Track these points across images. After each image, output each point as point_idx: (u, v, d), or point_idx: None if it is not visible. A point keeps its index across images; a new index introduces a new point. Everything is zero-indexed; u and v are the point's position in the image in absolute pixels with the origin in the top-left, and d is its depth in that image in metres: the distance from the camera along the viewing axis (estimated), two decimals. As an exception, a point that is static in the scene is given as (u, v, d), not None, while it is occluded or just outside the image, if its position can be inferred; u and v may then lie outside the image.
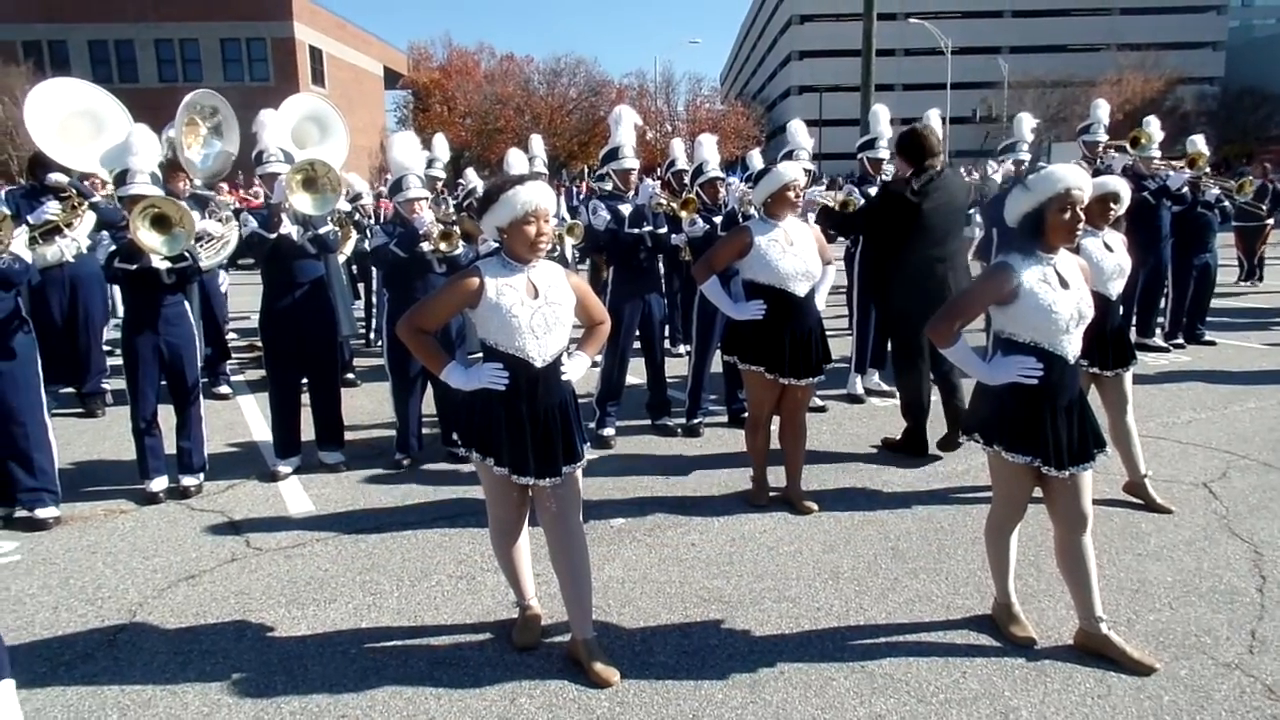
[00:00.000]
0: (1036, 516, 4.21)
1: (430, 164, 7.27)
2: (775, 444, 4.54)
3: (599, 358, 5.43)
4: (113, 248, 4.38)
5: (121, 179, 4.53)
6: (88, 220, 4.85)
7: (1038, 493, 3.07)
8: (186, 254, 4.49)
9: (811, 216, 5.95)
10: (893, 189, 4.97)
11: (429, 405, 5.36)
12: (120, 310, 7.05)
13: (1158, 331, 8.06)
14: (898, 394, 5.34)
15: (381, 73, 43.41)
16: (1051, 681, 2.86)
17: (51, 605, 3.53)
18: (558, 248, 5.47)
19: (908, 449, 5.21)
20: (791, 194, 4.17)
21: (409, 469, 5.14)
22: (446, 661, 3.06)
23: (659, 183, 6.40)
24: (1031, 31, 54.69)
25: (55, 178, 5.60)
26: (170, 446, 4.79)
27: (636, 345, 5.76)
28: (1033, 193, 2.84)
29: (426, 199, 5.10)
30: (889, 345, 5.81)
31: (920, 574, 3.67)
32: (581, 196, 11.06)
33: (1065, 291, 2.86)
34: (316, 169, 4.82)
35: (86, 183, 6.23)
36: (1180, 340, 8.13)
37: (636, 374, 5.95)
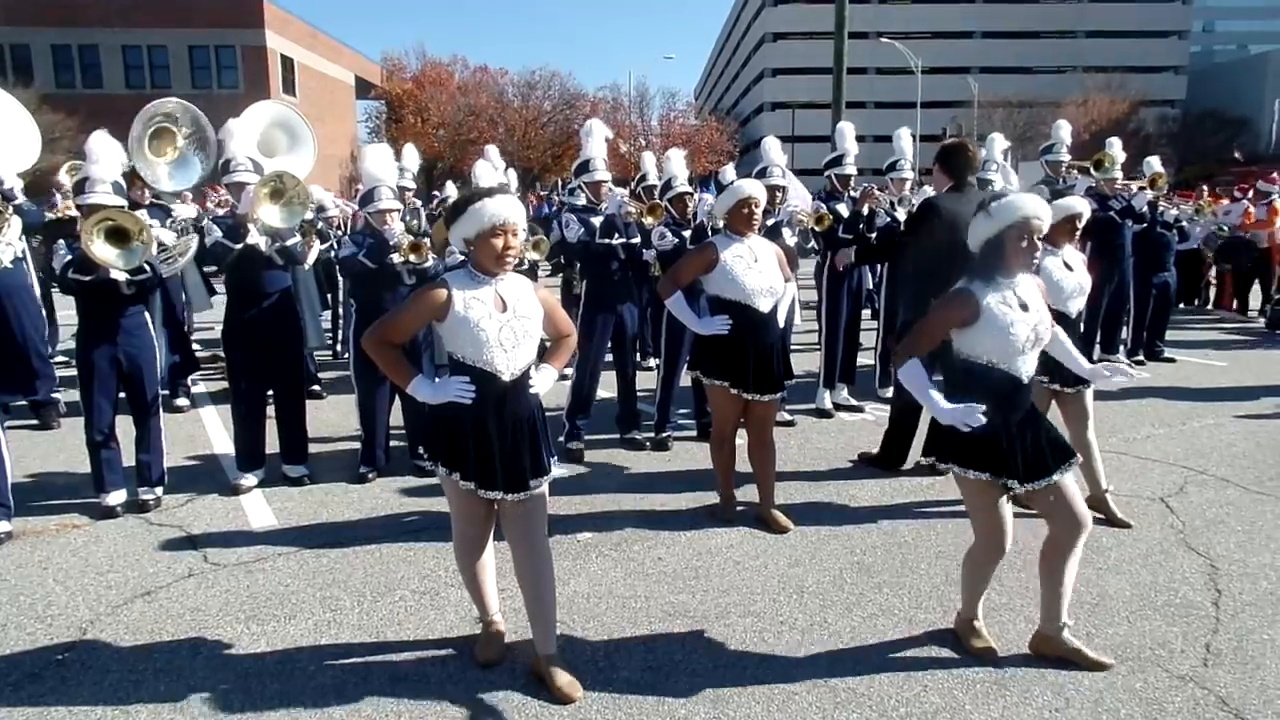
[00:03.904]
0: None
1: (400, 174, 7.23)
2: (743, 458, 4.55)
3: (569, 370, 5.43)
4: (69, 257, 4.29)
5: (80, 187, 4.45)
6: (15, 225, 4.71)
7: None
8: (146, 265, 4.41)
9: (788, 232, 5.99)
10: (940, 204, 4.82)
11: (396, 417, 5.31)
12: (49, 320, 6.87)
13: (1120, 348, 8.21)
14: (891, 406, 5.23)
15: (353, 82, 43.18)
16: (1010, 695, 2.89)
17: (-1, 623, 3.44)
18: (525, 261, 5.46)
19: (885, 461, 5.20)
20: (747, 210, 4.20)
21: (373, 482, 5.08)
22: (408, 678, 3.02)
23: (625, 192, 6.41)
24: (1000, 53, 55.82)
25: None
26: (129, 459, 4.70)
27: (608, 358, 5.76)
28: (994, 219, 2.91)
29: (398, 210, 5.07)
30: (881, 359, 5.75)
31: (884, 588, 3.69)
32: (553, 209, 11.06)
33: (1024, 314, 2.93)
34: (285, 181, 4.77)
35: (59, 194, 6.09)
36: (1141, 357, 8.29)
37: (606, 387, 5.94)
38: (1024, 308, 2.93)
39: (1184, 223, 8.99)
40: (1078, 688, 2.92)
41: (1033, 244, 2.90)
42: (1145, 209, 7.67)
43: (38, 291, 6.41)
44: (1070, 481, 3.02)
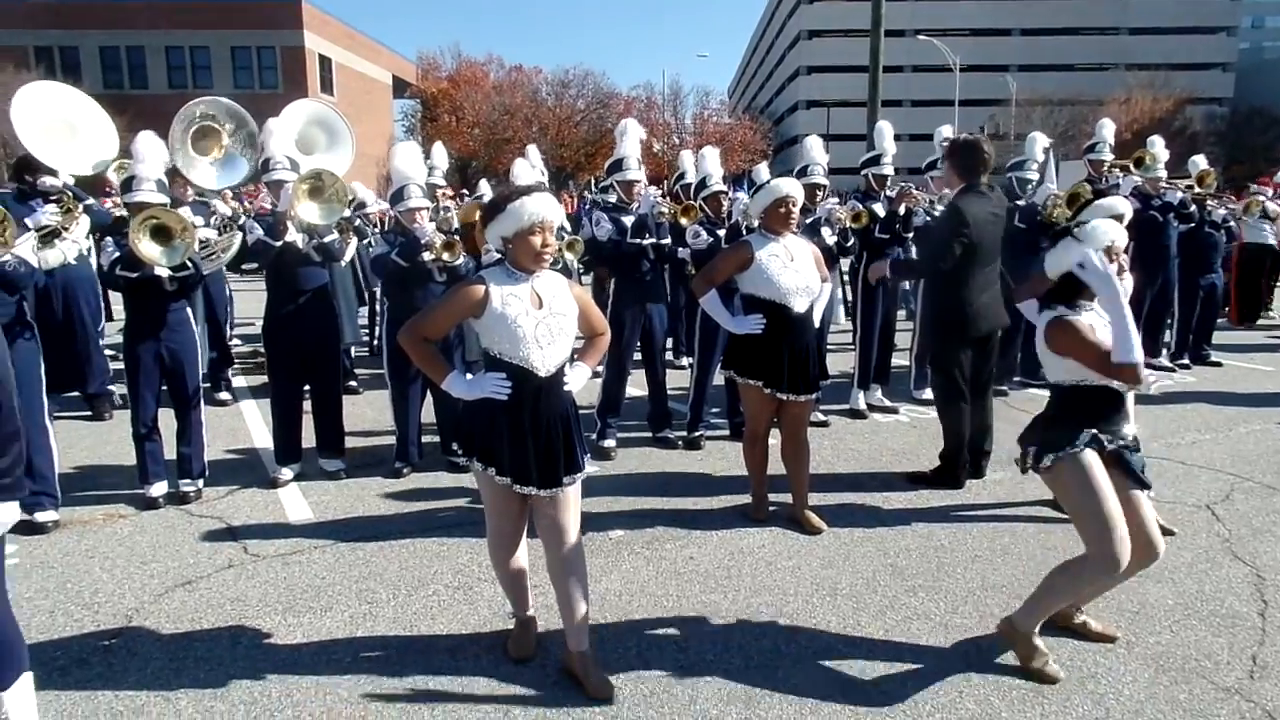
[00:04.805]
0: (1037, 536, 4.21)
1: (429, 172, 7.29)
2: (776, 458, 4.52)
3: (600, 368, 5.44)
4: (116, 254, 4.40)
5: (127, 185, 4.56)
6: (83, 223, 4.87)
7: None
8: (189, 263, 4.50)
9: (827, 231, 5.96)
10: (964, 208, 4.68)
11: (429, 414, 5.36)
12: (105, 315, 7.08)
13: (1164, 352, 8.04)
14: (941, 425, 5.00)
15: (390, 81, 43.66)
16: (1049, 703, 2.84)
17: (48, 609, 3.53)
18: (560, 260, 5.48)
19: (942, 482, 4.95)
20: (784, 209, 4.16)
21: (408, 478, 5.14)
22: (441, 672, 3.05)
23: (659, 192, 6.39)
24: (1040, 50, 54.87)
25: (49, 181, 5.61)
26: (171, 452, 4.80)
27: (638, 357, 5.76)
28: (1085, 244, 2.92)
29: (428, 208, 5.12)
30: (928, 369, 5.58)
31: (919, 592, 3.64)
32: (585, 208, 11.09)
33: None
34: (324, 179, 4.83)
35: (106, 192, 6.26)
36: (1186, 360, 8.10)
37: (639, 386, 5.94)
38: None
39: (1232, 223, 8.75)
40: (1118, 697, 2.86)
41: (1119, 267, 2.97)
42: (1192, 208, 7.51)
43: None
44: (1148, 504, 3.01)
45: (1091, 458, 2.93)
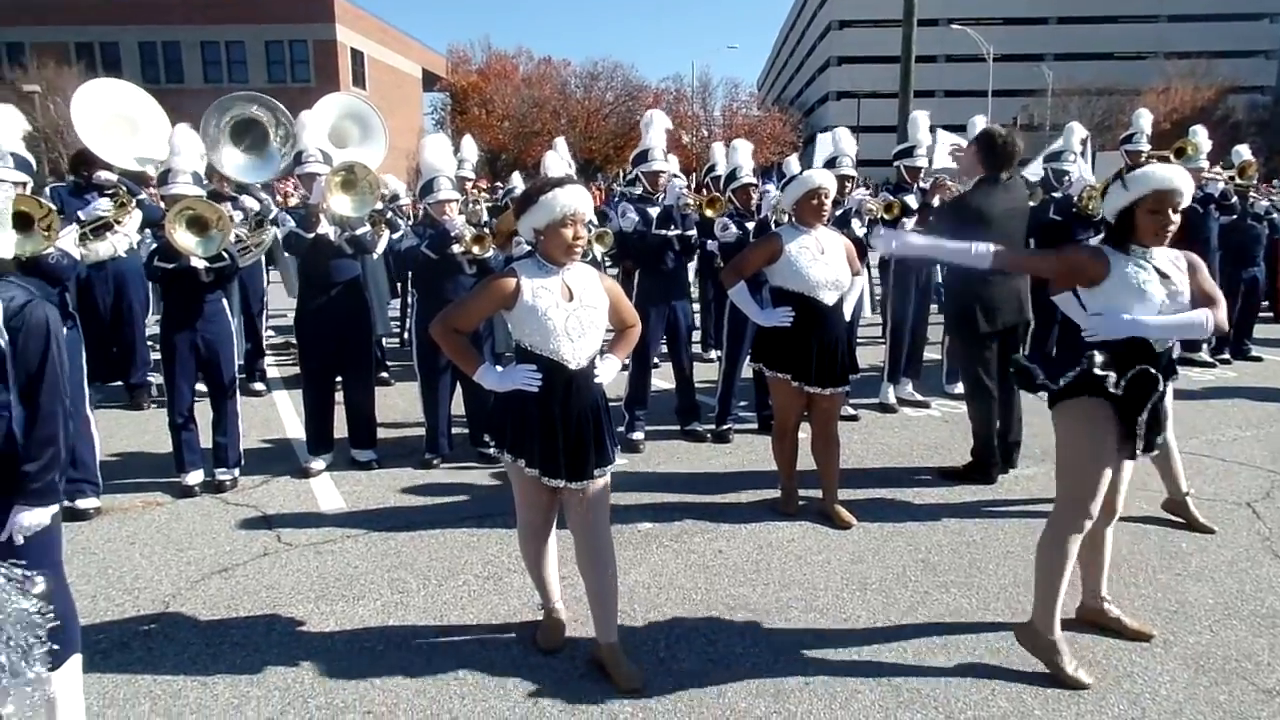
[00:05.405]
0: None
1: (459, 164, 7.33)
2: (805, 452, 4.49)
3: (627, 361, 5.44)
4: (154, 246, 4.48)
5: (164, 178, 4.64)
6: (136, 216, 4.98)
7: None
8: (225, 254, 4.57)
9: (856, 222, 5.89)
10: (970, 202, 4.62)
11: (459, 405, 5.40)
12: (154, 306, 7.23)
13: (1204, 346, 7.87)
14: (970, 420, 4.94)
15: (420, 75, 43.92)
16: (1084, 703, 2.80)
17: (90, 594, 3.61)
18: (590, 253, 5.48)
19: (974, 477, 4.88)
20: (816, 201, 4.13)
21: (439, 468, 5.18)
22: (471, 662, 3.08)
23: (685, 182, 6.35)
24: (1076, 39, 53.77)
25: (104, 175, 5.75)
26: (206, 441, 4.88)
27: (664, 350, 5.75)
28: (1129, 190, 2.86)
29: (457, 201, 5.14)
30: (960, 363, 5.50)
31: (950, 588, 3.61)
32: (614, 200, 11.09)
33: (1161, 279, 2.86)
34: (356, 171, 4.88)
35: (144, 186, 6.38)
36: (1226, 355, 7.94)
37: (666, 379, 5.94)
38: (1163, 275, 2.87)
39: (1275, 214, 8.54)
40: (1155, 697, 2.82)
41: (1166, 216, 2.84)
42: (1234, 199, 7.34)
43: None
44: (1128, 470, 3.04)
45: (1099, 407, 2.87)
